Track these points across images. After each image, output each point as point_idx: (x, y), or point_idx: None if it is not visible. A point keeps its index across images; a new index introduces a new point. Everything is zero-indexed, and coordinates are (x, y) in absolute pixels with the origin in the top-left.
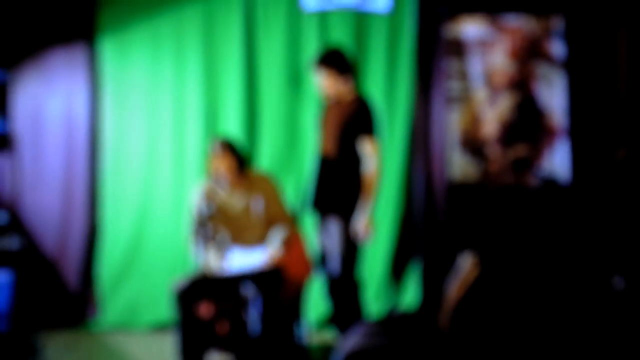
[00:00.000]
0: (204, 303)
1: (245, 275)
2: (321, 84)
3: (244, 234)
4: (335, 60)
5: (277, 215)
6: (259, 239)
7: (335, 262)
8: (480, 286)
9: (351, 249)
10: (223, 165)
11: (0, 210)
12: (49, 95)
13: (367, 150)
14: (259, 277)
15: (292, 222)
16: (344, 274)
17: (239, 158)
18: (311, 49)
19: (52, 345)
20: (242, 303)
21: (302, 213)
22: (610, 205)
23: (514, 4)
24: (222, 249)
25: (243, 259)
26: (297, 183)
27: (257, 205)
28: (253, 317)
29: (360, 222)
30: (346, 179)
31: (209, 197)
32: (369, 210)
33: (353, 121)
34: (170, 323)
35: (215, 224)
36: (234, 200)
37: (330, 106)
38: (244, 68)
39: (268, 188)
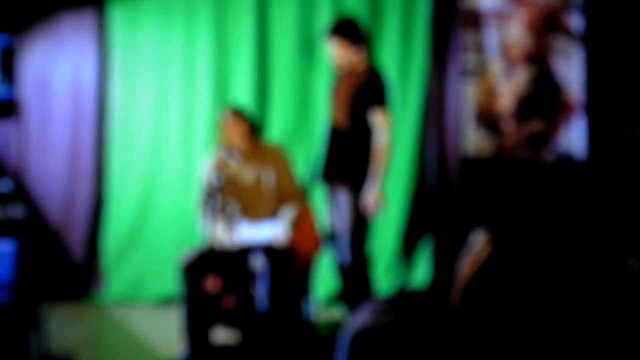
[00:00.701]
0: (211, 277)
1: (253, 248)
2: (333, 53)
3: (254, 206)
4: (349, 30)
5: (288, 189)
6: (269, 213)
7: (344, 237)
8: (493, 264)
9: (361, 223)
10: (236, 132)
11: (5, 178)
12: (56, 61)
13: (379, 121)
14: (267, 251)
15: (302, 196)
16: (353, 249)
17: (251, 124)
18: (324, 18)
19: (55, 317)
20: (250, 278)
21: (312, 185)
22: (627, 183)
23: None
24: (231, 221)
25: (252, 233)
26: (308, 154)
27: (268, 177)
28: (260, 292)
29: (370, 195)
30: (357, 150)
31: (220, 168)
32: (379, 183)
33: (365, 92)
34: (176, 297)
35: (225, 196)
36: (245, 171)
37: (342, 76)
38: (256, 37)
39: (279, 160)
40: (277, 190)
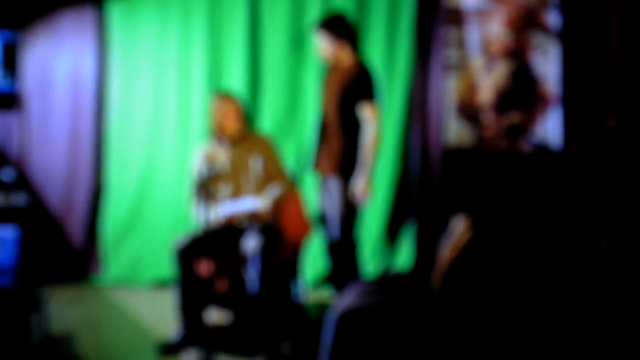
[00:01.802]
0: (204, 261)
1: (245, 229)
2: (319, 47)
3: (244, 192)
4: (334, 25)
5: (275, 175)
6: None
7: (334, 223)
8: (473, 249)
9: (350, 210)
10: (229, 114)
11: (8, 168)
12: (57, 56)
13: (367, 115)
14: (259, 229)
15: (289, 183)
16: (343, 234)
17: (241, 107)
18: (314, 14)
19: (55, 300)
20: (242, 261)
21: (303, 174)
22: (600, 172)
23: None
24: (221, 209)
25: (234, 207)
26: (298, 145)
27: (257, 164)
28: (252, 275)
29: (359, 185)
30: (346, 143)
31: (210, 159)
32: (368, 174)
33: (354, 86)
34: (171, 280)
35: (216, 185)
36: (235, 159)
37: (331, 70)
38: (249, 32)
39: (267, 149)
40: (266, 176)
